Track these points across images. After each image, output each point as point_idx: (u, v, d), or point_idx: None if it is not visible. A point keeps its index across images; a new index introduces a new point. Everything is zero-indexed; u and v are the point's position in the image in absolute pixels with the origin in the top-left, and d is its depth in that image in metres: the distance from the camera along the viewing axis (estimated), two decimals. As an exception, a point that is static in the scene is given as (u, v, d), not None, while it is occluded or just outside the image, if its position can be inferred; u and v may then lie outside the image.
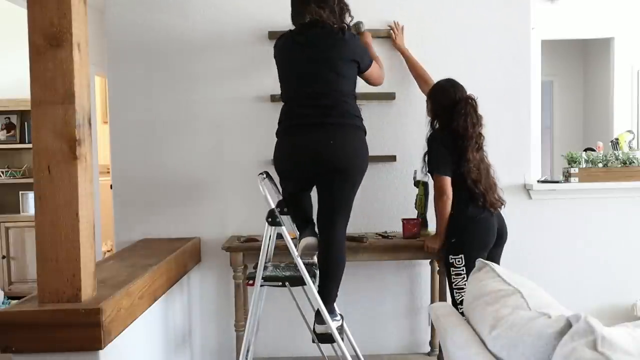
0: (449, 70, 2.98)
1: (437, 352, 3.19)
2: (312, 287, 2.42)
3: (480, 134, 2.73)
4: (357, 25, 3.04)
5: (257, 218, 2.88)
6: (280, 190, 2.67)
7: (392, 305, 3.35)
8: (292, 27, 2.62)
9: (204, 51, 3.22)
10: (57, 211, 1.82)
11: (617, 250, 3.43)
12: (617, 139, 3.66)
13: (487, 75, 3.28)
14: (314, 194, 2.65)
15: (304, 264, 2.43)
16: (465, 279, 2.63)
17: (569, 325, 1.14)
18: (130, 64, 3.22)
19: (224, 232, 3.25)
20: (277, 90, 2.70)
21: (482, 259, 1.73)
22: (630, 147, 3.66)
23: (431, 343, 3.27)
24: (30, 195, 4.96)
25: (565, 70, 6.78)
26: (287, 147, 2.54)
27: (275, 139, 2.61)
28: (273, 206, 2.45)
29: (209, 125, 3.24)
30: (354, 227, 2.95)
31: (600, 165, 3.43)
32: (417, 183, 3.11)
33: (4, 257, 4.98)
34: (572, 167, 3.42)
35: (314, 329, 2.49)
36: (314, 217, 2.62)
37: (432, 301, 3.23)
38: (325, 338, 2.46)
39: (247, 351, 2.54)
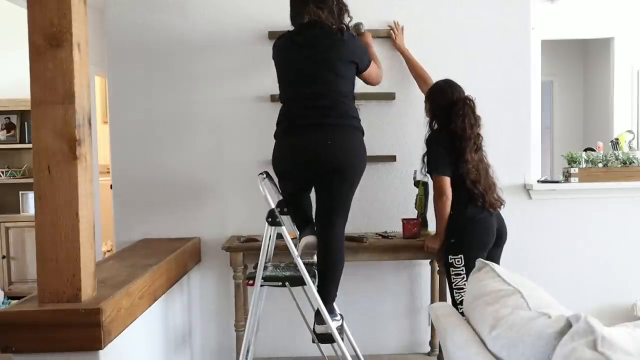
0: (449, 70, 2.99)
1: (437, 352, 3.19)
2: (312, 287, 2.42)
3: (478, 135, 2.73)
4: (357, 26, 3.04)
5: (257, 218, 2.88)
6: (280, 191, 2.67)
7: (392, 305, 3.35)
8: (291, 28, 2.62)
9: (204, 51, 3.22)
10: (57, 211, 1.82)
11: (617, 250, 3.43)
12: (617, 139, 3.66)
13: (487, 75, 3.28)
14: (313, 194, 2.65)
15: (304, 263, 2.43)
16: (465, 279, 2.63)
17: (569, 325, 1.14)
18: (130, 64, 3.22)
19: (224, 232, 3.25)
20: (277, 90, 2.70)
21: (482, 259, 1.73)
22: (630, 147, 3.66)
23: (431, 343, 3.27)
24: (30, 195, 4.96)
25: (565, 70, 6.78)
26: (286, 148, 2.54)
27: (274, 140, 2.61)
28: (273, 206, 2.46)
29: (209, 125, 3.25)
30: (354, 227, 2.96)
31: (600, 165, 3.43)
32: (417, 183, 3.11)
33: (4, 257, 4.98)
34: (572, 167, 3.42)
35: (313, 329, 2.49)
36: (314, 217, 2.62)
37: (432, 301, 3.23)
38: (325, 338, 2.46)
39: (247, 351, 2.54)
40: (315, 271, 2.54)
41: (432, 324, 3.15)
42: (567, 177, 3.45)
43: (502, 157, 3.16)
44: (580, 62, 6.80)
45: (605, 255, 3.43)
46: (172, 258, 2.68)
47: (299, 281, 2.45)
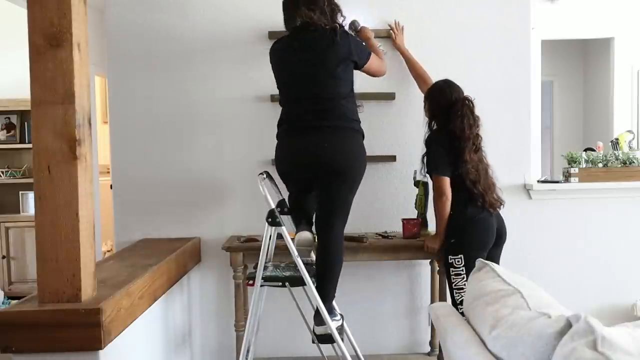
0: (449, 70, 2.99)
1: (437, 352, 3.19)
2: (312, 287, 2.42)
3: (477, 135, 2.73)
4: (353, 23, 3.03)
5: (257, 218, 2.88)
6: (281, 191, 2.67)
7: (392, 305, 3.35)
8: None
9: (204, 51, 3.22)
10: (57, 211, 1.82)
11: (617, 250, 3.43)
12: (617, 139, 3.66)
13: (487, 75, 3.28)
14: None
15: (304, 263, 2.43)
16: (465, 279, 2.63)
17: (569, 325, 1.14)
18: (130, 64, 3.22)
19: (224, 232, 3.25)
20: (276, 90, 2.70)
21: (482, 259, 1.73)
22: (630, 147, 3.66)
23: (431, 343, 3.27)
24: (30, 195, 4.96)
25: (565, 70, 6.77)
26: (287, 149, 2.56)
27: (276, 140, 2.61)
28: (273, 206, 2.46)
29: (209, 125, 3.24)
30: (353, 227, 2.96)
31: (600, 165, 3.43)
32: (417, 183, 3.11)
33: (4, 257, 4.98)
34: (572, 167, 3.42)
35: (313, 329, 2.49)
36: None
37: (432, 301, 3.23)
38: (325, 339, 2.45)
39: (247, 351, 2.54)
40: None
41: (432, 324, 3.15)
42: (567, 177, 3.45)
43: (502, 157, 3.16)
44: (580, 62, 6.80)
45: (605, 255, 3.43)
46: (172, 258, 2.68)
47: (299, 281, 2.45)
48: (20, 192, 5.09)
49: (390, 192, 3.30)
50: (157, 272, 2.43)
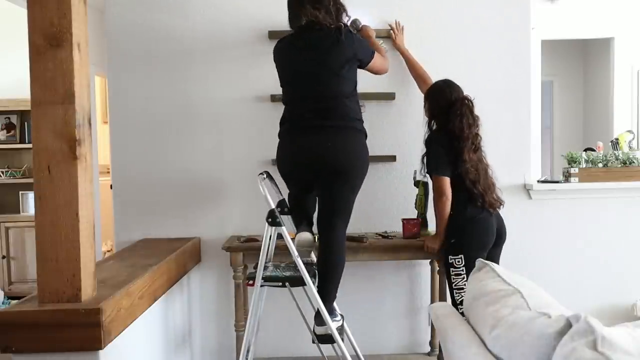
0: (449, 70, 2.99)
1: (437, 352, 3.19)
2: (312, 287, 2.42)
3: (476, 135, 2.73)
4: (355, 22, 3.03)
5: (257, 218, 2.88)
6: (281, 191, 2.67)
7: (392, 305, 3.35)
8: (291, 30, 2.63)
9: (204, 51, 3.22)
10: (57, 211, 1.82)
11: (617, 250, 3.43)
12: (617, 139, 3.66)
13: (487, 75, 3.28)
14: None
15: (304, 263, 2.42)
16: (465, 279, 2.63)
17: (569, 325, 1.14)
18: (130, 64, 3.22)
19: (224, 232, 3.25)
20: (277, 90, 2.70)
21: (482, 259, 1.73)
22: (630, 147, 3.66)
23: (431, 343, 3.27)
24: (30, 195, 4.96)
25: (565, 70, 6.78)
26: (288, 149, 2.55)
27: (277, 139, 2.62)
28: (273, 206, 2.46)
29: (209, 125, 3.25)
30: (354, 227, 2.95)
31: (600, 165, 3.43)
32: (417, 183, 3.11)
33: (4, 257, 4.98)
34: (572, 167, 3.42)
35: (313, 330, 2.49)
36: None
37: (432, 301, 3.23)
38: (325, 339, 2.45)
39: (247, 351, 2.54)
40: (316, 271, 2.54)
41: (432, 324, 3.15)
42: (567, 177, 3.45)
43: (502, 157, 3.16)
44: (580, 62, 6.80)
45: (605, 255, 3.43)
46: (172, 258, 2.68)
47: (299, 281, 2.45)
48: (20, 192, 5.09)
49: (390, 192, 3.30)
50: (157, 272, 2.43)
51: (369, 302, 3.32)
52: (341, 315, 2.61)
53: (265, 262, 2.51)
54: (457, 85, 2.80)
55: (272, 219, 2.43)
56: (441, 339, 1.67)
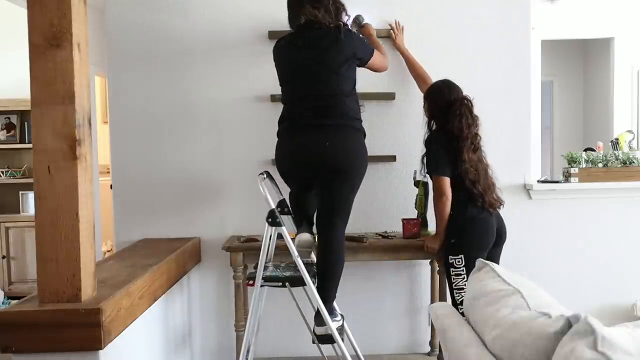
0: (449, 70, 2.99)
1: (437, 352, 3.19)
2: (312, 287, 2.42)
3: (476, 135, 2.73)
4: (358, 18, 3.03)
5: (257, 218, 2.88)
6: (281, 190, 2.67)
7: (392, 305, 3.35)
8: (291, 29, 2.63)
9: (204, 51, 3.22)
10: (57, 211, 1.82)
11: (617, 250, 3.43)
12: (617, 139, 3.66)
13: (487, 75, 3.28)
14: (313, 194, 2.65)
15: (304, 263, 2.42)
16: (465, 279, 2.63)
17: (569, 325, 1.14)
18: (130, 64, 3.22)
19: (224, 232, 3.25)
20: (277, 90, 2.70)
21: (482, 259, 1.73)
22: (630, 147, 3.66)
23: (431, 343, 3.27)
24: (30, 195, 4.96)
25: (565, 70, 6.77)
26: (287, 147, 2.55)
27: (276, 139, 2.61)
28: (273, 206, 2.46)
29: (209, 125, 3.25)
30: (354, 227, 2.96)
31: (600, 165, 3.43)
32: (417, 183, 3.11)
33: (4, 257, 4.98)
34: (572, 167, 3.42)
35: (313, 330, 2.49)
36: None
37: (432, 301, 3.23)
38: (325, 339, 2.45)
39: (247, 351, 2.54)
40: (315, 271, 2.54)
41: (432, 324, 3.15)
42: (567, 177, 3.45)
43: (502, 157, 3.16)
44: (580, 62, 6.80)
45: (605, 255, 3.43)
46: (172, 258, 2.68)
47: (299, 281, 2.45)
48: (20, 192, 5.09)
49: (390, 192, 3.30)
50: (157, 272, 2.43)
51: (369, 302, 3.32)
52: (341, 315, 2.61)
53: (265, 262, 2.51)
54: (457, 86, 2.80)
55: (272, 219, 2.43)
56: (441, 339, 1.67)
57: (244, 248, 2.94)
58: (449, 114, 2.72)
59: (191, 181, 3.25)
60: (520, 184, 3.36)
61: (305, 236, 2.49)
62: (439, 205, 2.74)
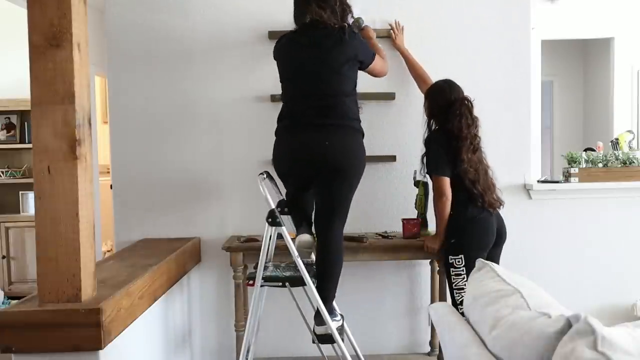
0: (449, 70, 2.99)
1: (437, 352, 3.19)
2: (312, 287, 2.42)
3: (475, 135, 2.73)
4: (358, 21, 3.04)
5: (257, 218, 2.88)
6: (281, 190, 2.67)
7: (392, 305, 3.35)
8: (293, 27, 2.63)
9: (204, 51, 3.22)
10: (57, 211, 1.82)
11: (617, 250, 3.43)
12: (617, 139, 3.66)
13: (487, 75, 3.28)
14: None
15: (304, 264, 2.43)
16: (465, 279, 2.63)
17: (569, 325, 1.14)
18: (130, 64, 3.22)
19: (224, 232, 3.25)
20: (277, 90, 2.70)
21: (482, 259, 1.73)
22: (630, 147, 3.66)
23: (431, 343, 3.27)
24: (30, 195, 4.96)
25: (565, 70, 6.78)
26: (286, 146, 2.55)
27: (274, 137, 2.61)
28: (273, 206, 2.46)
29: (209, 125, 3.25)
30: (354, 227, 2.96)
31: (600, 165, 3.43)
32: (417, 183, 3.11)
33: (4, 257, 4.98)
34: (572, 167, 3.42)
35: (313, 329, 2.49)
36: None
37: (432, 301, 3.23)
38: (325, 339, 2.46)
39: (247, 351, 2.54)
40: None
41: (432, 324, 3.15)
42: (567, 177, 3.45)
43: (502, 157, 3.16)
44: (580, 62, 6.80)
45: (605, 255, 3.43)
46: (172, 258, 2.68)
47: (299, 281, 2.45)
48: (20, 192, 5.09)
49: (390, 192, 3.30)
50: (157, 272, 2.43)
51: (369, 302, 3.32)
52: (341, 315, 2.61)
53: (265, 262, 2.51)
54: (458, 86, 2.80)
55: (272, 219, 2.43)
56: (441, 339, 1.67)
57: (244, 248, 2.94)
58: (449, 113, 2.72)
59: (191, 181, 3.25)
60: (520, 184, 3.35)
61: (305, 237, 2.49)
62: (438, 205, 2.74)
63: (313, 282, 2.43)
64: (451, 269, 2.70)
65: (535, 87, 4.17)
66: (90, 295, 1.89)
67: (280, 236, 2.47)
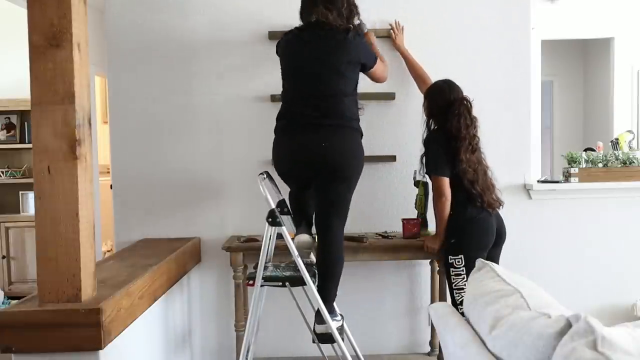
0: (449, 70, 2.99)
1: (437, 352, 3.19)
2: (312, 287, 2.42)
3: (474, 136, 2.73)
4: (359, 26, 3.03)
5: (257, 218, 2.88)
6: (281, 190, 2.67)
7: (392, 305, 3.35)
8: (296, 25, 2.63)
9: (204, 51, 3.22)
10: (57, 211, 1.82)
11: (617, 250, 3.43)
12: (617, 139, 3.66)
13: (487, 75, 3.28)
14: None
15: (304, 263, 2.43)
16: (465, 279, 2.63)
17: (569, 325, 1.14)
18: (130, 64, 3.22)
19: (224, 232, 3.25)
20: (277, 90, 2.70)
21: (482, 259, 1.73)
22: (630, 147, 3.66)
23: (431, 343, 3.27)
24: (30, 195, 4.96)
25: (565, 70, 6.78)
26: (287, 147, 2.55)
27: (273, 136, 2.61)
28: (273, 206, 2.45)
29: (209, 125, 3.25)
30: (354, 227, 2.96)
31: (600, 165, 3.43)
32: (417, 183, 3.11)
33: (4, 257, 4.98)
34: (572, 167, 3.42)
35: (314, 329, 2.49)
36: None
37: (432, 301, 3.23)
38: (326, 338, 2.46)
39: (247, 351, 2.54)
40: (315, 271, 2.54)
41: (432, 324, 3.15)
42: (567, 177, 3.45)
43: (502, 157, 3.16)
44: (580, 62, 6.80)
45: (605, 255, 3.43)
46: (172, 258, 2.68)
47: (299, 281, 2.45)
48: (20, 192, 5.09)
49: (390, 192, 3.30)
50: (157, 272, 2.43)
51: (369, 302, 3.32)
52: (341, 315, 2.61)
53: (265, 262, 2.51)
54: (457, 86, 2.80)
55: (272, 219, 2.43)
56: (441, 339, 1.67)
57: (244, 248, 2.94)
58: (448, 113, 2.72)
59: (191, 181, 3.25)
60: (520, 184, 3.35)
61: (304, 237, 2.50)
62: (438, 205, 2.74)
63: (313, 282, 2.43)
64: (451, 269, 2.70)
65: (535, 87, 4.17)
66: (90, 295, 1.89)
67: (280, 236, 2.47)
